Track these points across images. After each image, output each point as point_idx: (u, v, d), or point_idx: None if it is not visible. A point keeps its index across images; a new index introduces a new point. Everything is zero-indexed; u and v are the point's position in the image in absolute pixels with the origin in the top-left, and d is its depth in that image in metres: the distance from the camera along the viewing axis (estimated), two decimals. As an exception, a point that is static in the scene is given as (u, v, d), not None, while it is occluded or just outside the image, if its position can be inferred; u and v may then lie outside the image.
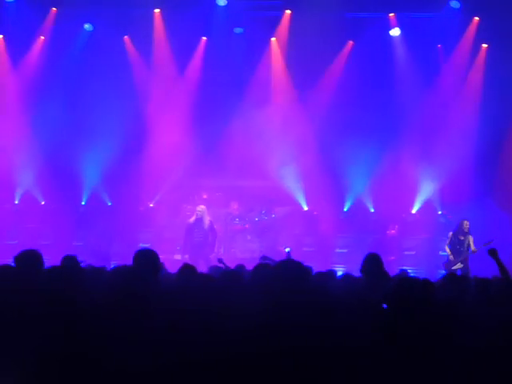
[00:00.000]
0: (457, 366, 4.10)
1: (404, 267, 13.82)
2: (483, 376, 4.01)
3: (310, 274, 6.62)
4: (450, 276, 7.99)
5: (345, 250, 16.83)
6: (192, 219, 15.90)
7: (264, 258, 10.10)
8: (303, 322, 3.86)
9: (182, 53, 17.57)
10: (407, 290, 4.58)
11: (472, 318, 5.80)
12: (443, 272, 13.87)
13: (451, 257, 14.88)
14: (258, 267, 6.78)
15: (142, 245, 15.54)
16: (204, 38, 17.81)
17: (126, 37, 17.64)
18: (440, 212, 17.32)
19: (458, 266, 14.62)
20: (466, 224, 14.98)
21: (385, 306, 4.61)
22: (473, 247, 14.67)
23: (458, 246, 14.88)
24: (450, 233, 15.18)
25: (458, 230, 15.00)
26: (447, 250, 15.08)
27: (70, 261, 7.60)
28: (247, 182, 17.01)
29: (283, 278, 4.05)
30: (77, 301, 4.50)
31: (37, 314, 4.25)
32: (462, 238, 14.88)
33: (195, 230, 15.69)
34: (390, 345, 4.18)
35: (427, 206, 17.11)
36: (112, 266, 7.96)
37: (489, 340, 4.41)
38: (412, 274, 12.87)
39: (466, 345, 4.30)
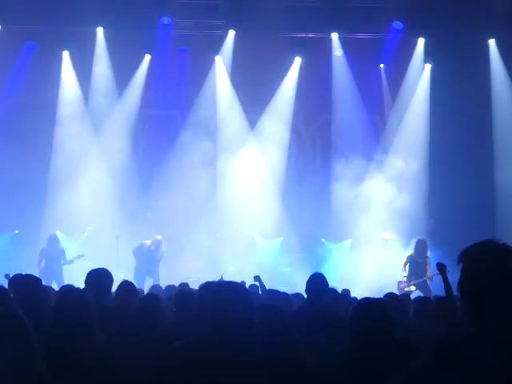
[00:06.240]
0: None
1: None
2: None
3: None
4: (390, 296, 7.80)
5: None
6: (148, 243, 15.87)
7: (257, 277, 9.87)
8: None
9: (125, 70, 17.45)
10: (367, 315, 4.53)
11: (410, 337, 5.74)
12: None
13: (404, 278, 14.32)
14: (202, 287, 6.83)
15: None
16: (148, 56, 17.69)
17: (64, 52, 17.49)
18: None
19: (412, 288, 13.99)
20: (424, 245, 14.44)
21: None
22: (429, 273, 13.90)
23: (414, 269, 14.23)
24: (408, 253, 14.64)
25: (415, 252, 14.44)
26: (403, 270, 14.50)
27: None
28: (190, 201, 16.80)
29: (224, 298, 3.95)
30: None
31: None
32: (420, 260, 14.27)
33: (145, 257, 15.70)
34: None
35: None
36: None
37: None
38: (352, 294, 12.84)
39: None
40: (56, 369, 3.99)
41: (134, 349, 4.89)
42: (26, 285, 6.04)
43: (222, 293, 3.94)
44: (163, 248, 15.97)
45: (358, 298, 7.24)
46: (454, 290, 6.73)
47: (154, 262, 15.77)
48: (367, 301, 4.81)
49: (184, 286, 9.60)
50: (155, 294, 7.14)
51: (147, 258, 15.69)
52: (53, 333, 4.43)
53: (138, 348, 4.92)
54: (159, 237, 15.95)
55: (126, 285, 7.09)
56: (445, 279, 7.12)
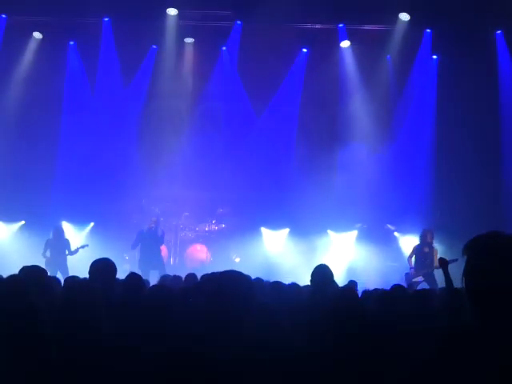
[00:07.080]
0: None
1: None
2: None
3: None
4: (397, 288, 7.80)
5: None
6: (144, 228, 15.68)
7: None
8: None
9: (131, 61, 17.46)
10: (344, 301, 4.57)
11: (407, 330, 5.75)
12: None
13: (412, 269, 14.10)
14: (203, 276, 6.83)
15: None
16: (155, 47, 17.71)
17: (70, 42, 17.54)
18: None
19: (419, 279, 13.79)
20: (430, 235, 14.27)
21: None
22: (436, 262, 13.17)
23: (422, 259, 14.01)
24: (414, 244, 14.50)
25: (421, 242, 14.28)
26: (409, 261, 14.31)
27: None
28: (196, 192, 16.85)
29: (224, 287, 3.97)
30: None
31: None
32: (427, 250, 14.07)
33: (147, 239, 15.44)
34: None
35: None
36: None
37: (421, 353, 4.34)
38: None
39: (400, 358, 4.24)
40: (63, 358, 4.02)
41: (139, 342, 4.88)
42: (33, 275, 6.06)
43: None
44: (160, 227, 15.73)
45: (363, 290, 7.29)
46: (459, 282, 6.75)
47: (157, 242, 15.45)
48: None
49: (191, 276, 9.55)
50: (164, 285, 7.11)
51: (150, 239, 15.32)
52: (60, 323, 4.44)
53: (143, 341, 4.91)
54: (154, 218, 15.87)
55: (133, 277, 7.05)
56: (445, 273, 7.18)
